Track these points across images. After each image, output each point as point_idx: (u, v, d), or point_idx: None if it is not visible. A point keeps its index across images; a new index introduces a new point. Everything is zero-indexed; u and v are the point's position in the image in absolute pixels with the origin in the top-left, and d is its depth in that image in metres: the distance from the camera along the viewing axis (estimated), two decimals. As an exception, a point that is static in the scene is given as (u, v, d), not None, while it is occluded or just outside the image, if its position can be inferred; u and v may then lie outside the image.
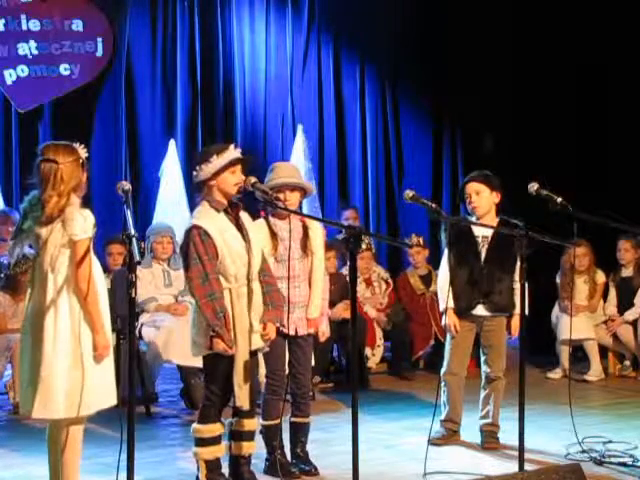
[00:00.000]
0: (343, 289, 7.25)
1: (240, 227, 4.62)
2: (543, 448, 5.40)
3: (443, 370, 5.61)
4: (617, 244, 7.96)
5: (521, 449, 4.60)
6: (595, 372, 7.76)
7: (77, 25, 9.19)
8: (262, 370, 5.03)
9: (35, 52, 9.06)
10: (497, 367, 5.56)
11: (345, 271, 7.57)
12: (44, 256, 4.16)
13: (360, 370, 7.18)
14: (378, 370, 7.93)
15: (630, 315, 7.84)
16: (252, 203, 4.92)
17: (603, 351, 7.97)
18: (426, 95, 9.92)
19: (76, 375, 4.09)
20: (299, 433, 5.09)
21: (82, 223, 4.09)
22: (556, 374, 7.78)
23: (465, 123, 9.72)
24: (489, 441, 5.52)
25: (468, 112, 9.45)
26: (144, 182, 9.34)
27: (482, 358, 5.65)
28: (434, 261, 7.86)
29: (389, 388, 7.47)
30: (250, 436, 4.78)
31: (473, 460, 5.28)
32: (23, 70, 9.04)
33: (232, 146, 4.65)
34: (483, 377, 5.63)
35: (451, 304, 5.49)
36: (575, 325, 7.18)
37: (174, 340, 6.48)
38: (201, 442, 4.65)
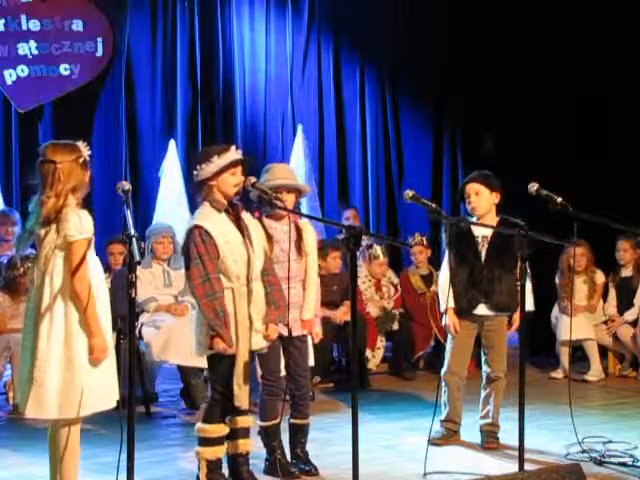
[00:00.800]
0: (346, 290, 7.24)
1: (241, 227, 4.63)
2: (543, 448, 5.40)
3: (443, 370, 5.61)
4: (616, 244, 7.96)
5: (521, 449, 4.60)
6: (595, 372, 7.76)
7: (77, 25, 9.19)
8: (259, 371, 5.05)
9: (35, 52, 9.06)
10: (498, 367, 5.56)
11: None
12: (41, 257, 4.16)
13: (360, 370, 7.19)
14: (378, 370, 7.93)
15: (630, 315, 7.84)
16: (247, 204, 4.91)
17: (603, 351, 7.97)
18: (426, 95, 9.92)
19: (70, 376, 4.07)
20: (299, 434, 5.09)
21: (77, 224, 4.08)
22: (558, 374, 7.79)
23: (465, 123, 9.72)
24: (489, 441, 5.53)
25: (468, 112, 9.45)
26: (144, 182, 9.34)
27: (483, 358, 5.65)
28: (436, 262, 7.86)
29: (389, 388, 7.47)
30: (245, 433, 4.77)
31: (473, 460, 5.28)
32: (23, 70, 9.04)
33: (233, 147, 4.66)
34: (484, 377, 5.63)
35: (452, 304, 5.49)
36: (575, 325, 7.18)
37: (174, 340, 6.49)
38: (204, 442, 4.66)
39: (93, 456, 5.16)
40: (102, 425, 5.62)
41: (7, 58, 8.99)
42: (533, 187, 4.94)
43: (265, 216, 5.00)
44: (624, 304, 7.94)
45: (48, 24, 9.09)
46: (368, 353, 7.76)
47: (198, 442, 4.69)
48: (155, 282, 6.96)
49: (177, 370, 6.78)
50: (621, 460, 5.17)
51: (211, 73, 9.56)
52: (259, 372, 5.07)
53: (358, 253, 4.01)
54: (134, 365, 3.98)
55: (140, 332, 6.74)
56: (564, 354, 7.71)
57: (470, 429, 5.65)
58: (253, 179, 4.73)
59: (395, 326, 7.96)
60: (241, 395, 4.57)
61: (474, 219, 5.55)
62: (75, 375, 4.07)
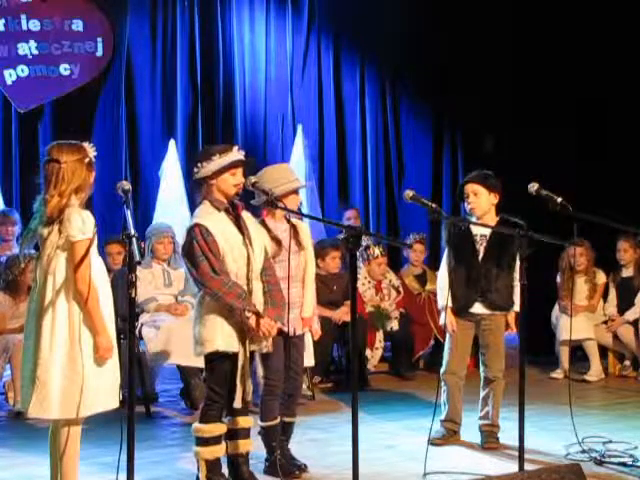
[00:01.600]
0: (347, 290, 7.24)
1: (240, 226, 4.63)
2: (543, 448, 5.40)
3: (443, 370, 5.61)
4: (616, 245, 7.96)
5: (521, 449, 4.60)
6: (595, 372, 7.77)
7: (77, 25, 9.18)
8: (260, 371, 5.05)
9: (35, 52, 9.06)
10: (495, 367, 5.56)
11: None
12: (43, 257, 4.16)
13: (360, 370, 7.19)
14: (378, 370, 7.93)
15: (630, 315, 7.84)
16: (247, 203, 4.92)
17: (603, 351, 7.97)
18: (426, 95, 9.92)
19: (72, 376, 4.07)
20: (287, 432, 5.10)
21: (80, 224, 4.08)
22: (558, 374, 7.78)
23: (465, 123, 9.72)
24: (489, 441, 5.53)
25: (468, 112, 9.45)
26: (144, 182, 9.34)
27: (480, 358, 5.66)
28: (435, 262, 7.86)
29: (389, 388, 7.47)
30: (245, 434, 4.78)
31: (473, 460, 5.28)
32: (23, 70, 9.03)
33: (236, 147, 4.67)
34: (482, 378, 5.63)
35: (449, 303, 5.50)
36: (575, 325, 7.18)
37: (174, 340, 6.49)
38: (202, 442, 4.65)
39: (93, 456, 5.16)
40: (102, 425, 5.60)
41: (7, 58, 8.99)
42: (533, 187, 4.94)
43: (266, 217, 5.01)
44: (624, 304, 7.95)
45: (48, 24, 9.08)
46: (368, 353, 7.76)
47: (195, 442, 4.68)
48: (155, 282, 6.96)
49: (177, 370, 6.78)
50: (621, 460, 5.17)
51: (211, 73, 9.56)
52: (259, 372, 5.07)
53: (358, 254, 4.02)
54: (134, 365, 3.98)
55: (140, 332, 6.74)
56: (564, 354, 7.72)
57: (470, 429, 5.65)
58: (253, 179, 4.74)
59: (395, 326, 7.96)
60: (241, 395, 4.58)
61: (473, 219, 5.55)
62: (78, 375, 4.07)
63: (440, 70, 9.59)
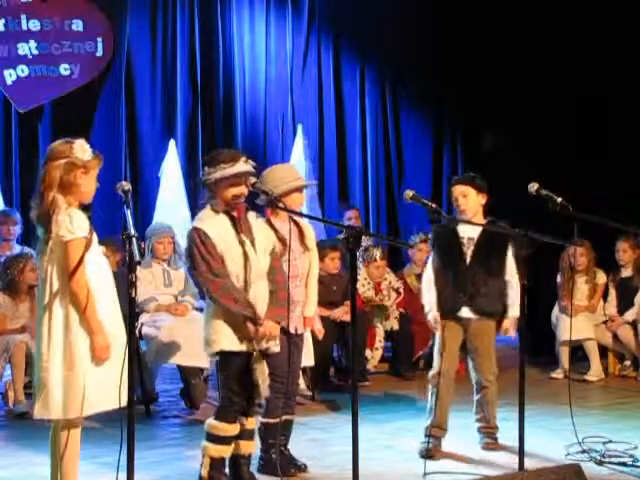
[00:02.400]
0: (346, 290, 7.23)
1: (240, 229, 4.65)
2: (543, 448, 5.39)
3: (431, 373, 5.52)
4: (615, 245, 7.96)
5: (521, 449, 4.60)
6: (595, 372, 7.76)
7: (77, 25, 9.19)
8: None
9: (35, 52, 9.06)
10: (487, 372, 5.48)
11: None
12: (40, 259, 4.18)
13: (360, 370, 7.19)
14: (378, 370, 7.93)
15: (630, 315, 7.84)
16: (253, 204, 4.94)
17: (603, 351, 7.97)
18: (426, 95, 9.92)
19: (71, 377, 4.07)
20: (286, 430, 5.09)
21: (67, 223, 4.08)
22: (558, 374, 7.78)
23: (465, 123, 9.72)
24: (488, 441, 5.51)
25: (468, 112, 9.45)
26: (144, 182, 9.34)
27: (470, 364, 5.57)
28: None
29: (389, 388, 7.46)
30: (249, 435, 4.79)
31: (473, 460, 5.28)
32: (23, 70, 9.04)
33: (243, 159, 4.66)
34: (473, 384, 5.57)
35: (434, 300, 5.42)
36: (575, 325, 7.18)
37: (174, 340, 6.49)
38: (212, 438, 4.67)
39: (93, 456, 5.16)
40: (102, 425, 5.63)
41: (7, 58, 8.99)
42: (533, 187, 4.93)
43: (271, 216, 5.03)
44: (624, 304, 7.94)
45: (48, 24, 9.09)
46: (367, 353, 7.76)
47: (206, 437, 4.70)
48: (155, 282, 6.96)
49: (177, 370, 6.78)
50: (621, 460, 5.17)
51: (211, 73, 9.57)
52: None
53: (357, 254, 4.02)
54: (134, 365, 3.98)
55: (140, 332, 6.74)
56: (564, 354, 7.71)
57: (469, 429, 5.64)
58: (253, 179, 4.75)
59: (395, 326, 7.96)
60: (263, 390, 4.63)
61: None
62: (77, 374, 4.08)
63: (440, 70, 9.59)
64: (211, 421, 4.70)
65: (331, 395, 7.19)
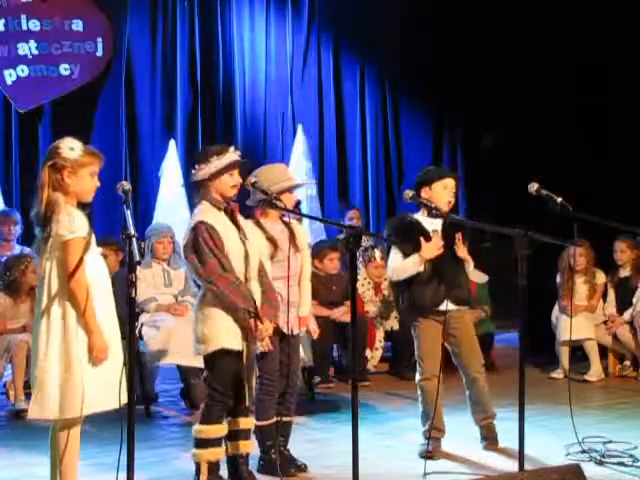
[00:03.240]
0: (346, 290, 7.24)
1: (238, 226, 4.65)
2: (543, 448, 5.38)
3: (417, 377, 5.41)
4: (614, 245, 7.96)
5: (521, 449, 4.59)
6: (595, 372, 7.76)
7: (77, 25, 9.20)
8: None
9: (35, 52, 9.07)
10: (474, 362, 5.42)
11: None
12: (40, 259, 4.18)
13: (360, 370, 7.19)
14: (378, 370, 7.93)
15: (629, 315, 7.84)
16: (242, 206, 4.91)
17: (603, 351, 7.96)
18: (426, 95, 9.92)
19: (69, 377, 4.07)
20: (285, 432, 5.08)
21: (67, 223, 4.07)
22: (558, 374, 7.78)
23: (465, 123, 9.72)
24: (489, 442, 5.51)
25: (468, 112, 9.46)
26: (144, 182, 9.34)
27: (456, 361, 5.48)
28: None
29: (389, 388, 7.46)
30: (246, 435, 4.77)
31: (473, 460, 5.27)
32: (23, 70, 9.04)
33: (232, 148, 4.67)
34: (463, 379, 5.50)
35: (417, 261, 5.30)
36: (575, 325, 7.17)
37: (174, 340, 6.49)
38: (204, 443, 4.62)
39: (93, 456, 5.16)
40: (102, 425, 5.61)
41: (7, 58, 9.01)
42: (533, 187, 4.92)
43: (260, 217, 5.01)
44: (623, 304, 7.94)
45: (48, 24, 9.10)
46: (367, 353, 7.76)
47: (195, 444, 4.63)
48: (155, 282, 6.96)
49: (177, 370, 6.78)
50: (621, 460, 5.16)
51: (211, 73, 9.57)
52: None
53: (357, 254, 4.02)
54: (134, 365, 3.98)
55: (140, 332, 6.74)
56: (564, 354, 7.71)
57: (469, 429, 5.64)
58: (253, 179, 4.75)
59: (395, 326, 7.96)
60: (250, 393, 4.60)
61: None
62: (75, 375, 4.07)
63: (440, 70, 9.59)
64: (198, 426, 4.64)
65: (331, 395, 7.20)
